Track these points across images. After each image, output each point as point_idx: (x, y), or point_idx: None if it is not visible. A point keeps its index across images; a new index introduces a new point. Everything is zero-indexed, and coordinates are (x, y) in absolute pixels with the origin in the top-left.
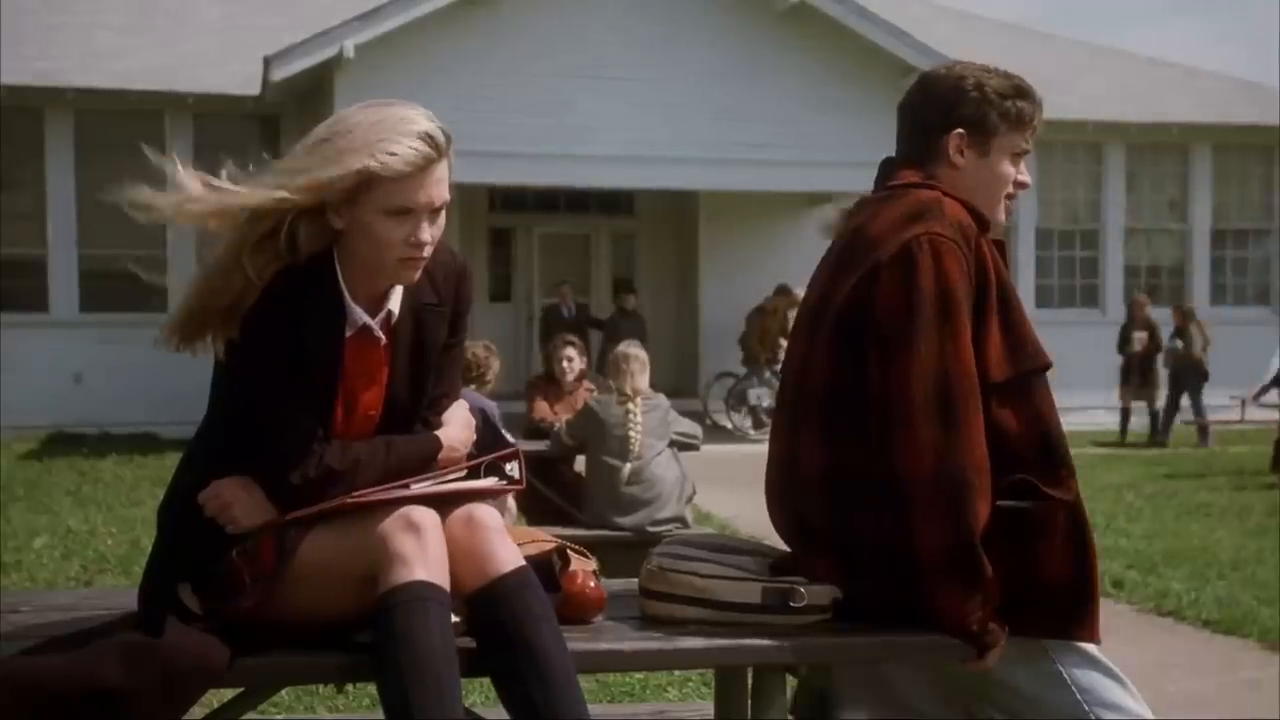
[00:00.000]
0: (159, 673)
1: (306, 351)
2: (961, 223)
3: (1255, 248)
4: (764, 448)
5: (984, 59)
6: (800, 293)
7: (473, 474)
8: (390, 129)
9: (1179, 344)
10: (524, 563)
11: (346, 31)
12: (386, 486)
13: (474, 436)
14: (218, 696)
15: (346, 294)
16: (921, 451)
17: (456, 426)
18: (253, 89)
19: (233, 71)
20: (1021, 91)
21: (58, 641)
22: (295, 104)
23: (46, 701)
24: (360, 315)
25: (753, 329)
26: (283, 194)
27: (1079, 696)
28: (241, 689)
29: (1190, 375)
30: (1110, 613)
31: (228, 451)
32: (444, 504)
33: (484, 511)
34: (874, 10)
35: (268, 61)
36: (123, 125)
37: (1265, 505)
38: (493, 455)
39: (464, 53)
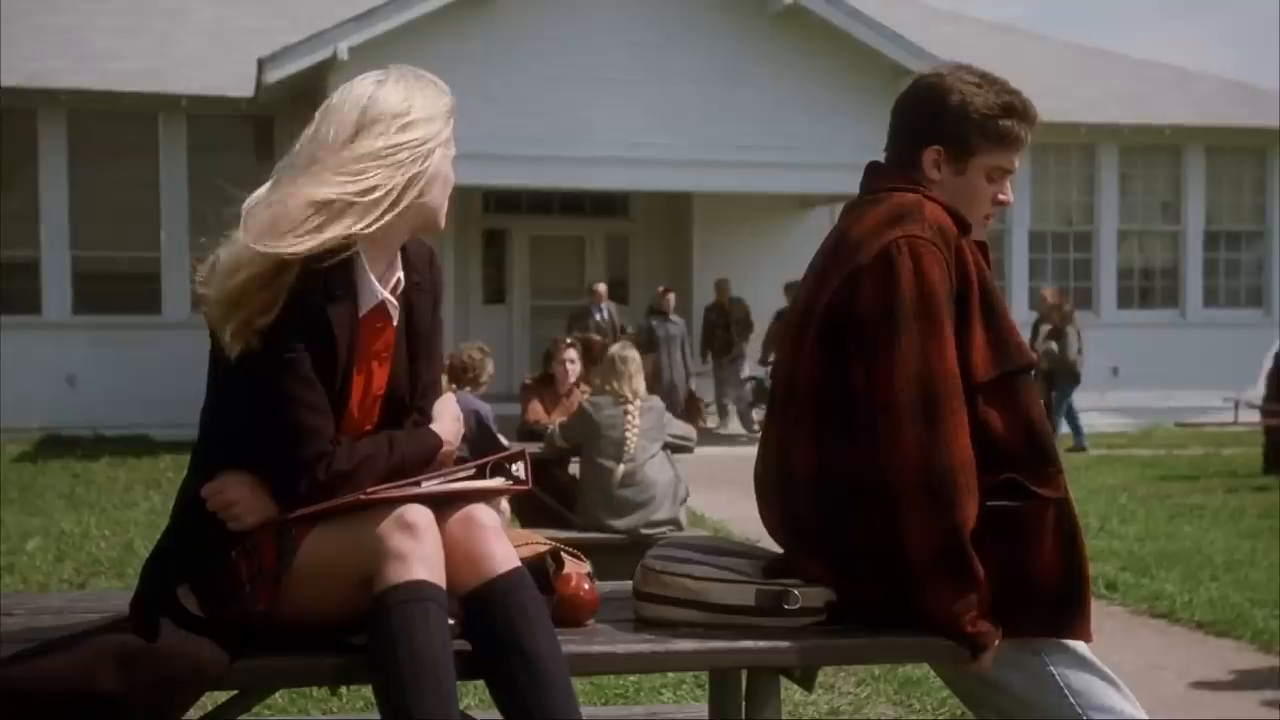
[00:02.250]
0: (153, 677)
1: (333, 340)
2: (941, 225)
3: (1248, 250)
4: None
5: (977, 61)
6: None
7: (479, 474)
8: (427, 94)
9: (1053, 345)
10: (520, 564)
11: (340, 33)
12: (399, 484)
13: (462, 431)
14: (212, 699)
15: (371, 274)
16: (907, 452)
17: (448, 420)
18: (246, 91)
19: (226, 73)
20: (1010, 110)
21: (51, 645)
22: (289, 106)
23: (40, 706)
24: (378, 290)
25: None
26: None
27: (1072, 700)
28: (235, 691)
29: (1062, 379)
30: (1104, 614)
31: (235, 448)
32: (446, 503)
33: (482, 511)
34: (867, 13)
35: (261, 63)
36: (116, 126)
37: (1258, 507)
38: (499, 455)
39: (458, 55)
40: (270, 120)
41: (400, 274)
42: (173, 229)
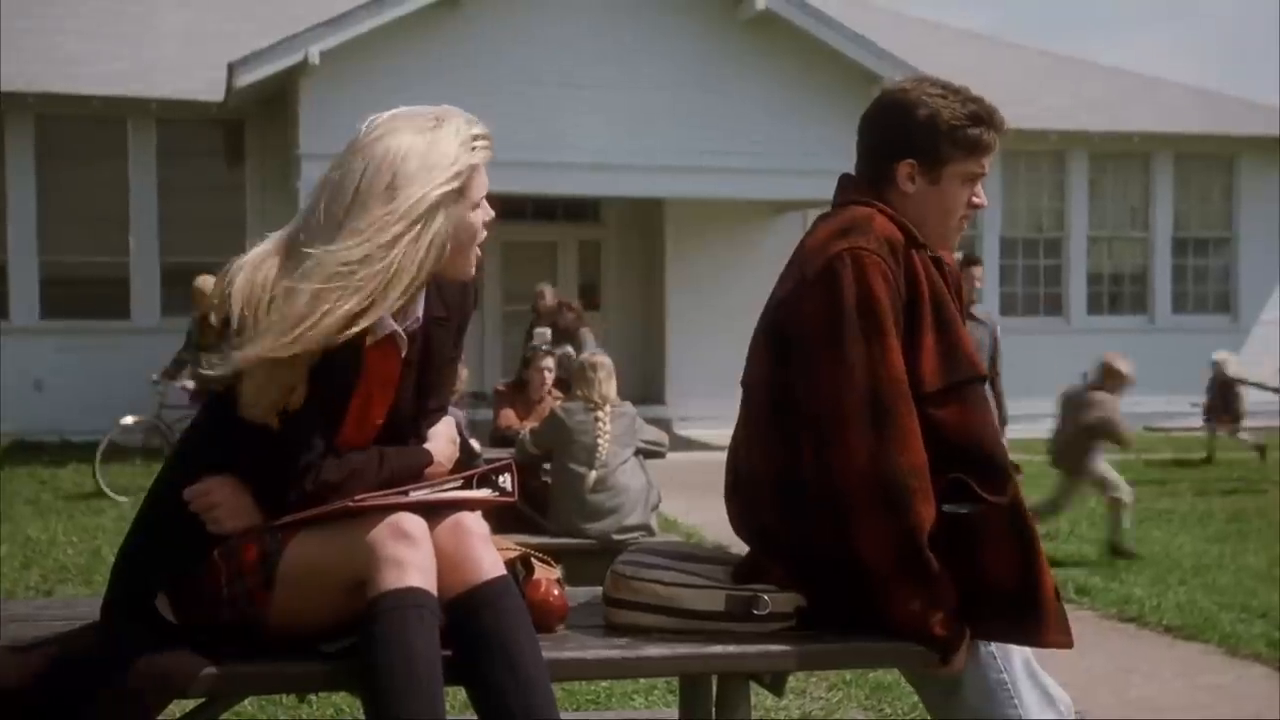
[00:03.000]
0: (118, 686)
1: (331, 360)
2: (890, 238)
3: (1215, 256)
4: None
5: (948, 69)
6: None
7: (466, 485)
8: (453, 126)
9: (569, 349)
10: (505, 571)
11: (311, 38)
12: (386, 493)
13: (457, 454)
14: (179, 706)
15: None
16: (858, 460)
17: (442, 442)
18: (217, 95)
19: (196, 77)
20: (978, 119)
21: (15, 653)
22: (260, 110)
23: (2, 716)
24: (388, 323)
25: None
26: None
27: (1019, 709)
28: (203, 699)
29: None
30: (1074, 618)
31: (225, 451)
32: (432, 512)
33: (471, 519)
34: (839, 19)
35: (232, 67)
36: (85, 131)
37: (1225, 511)
38: (486, 467)
39: (430, 60)
40: (240, 124)
41: (420, 310)
42: (142, 234)
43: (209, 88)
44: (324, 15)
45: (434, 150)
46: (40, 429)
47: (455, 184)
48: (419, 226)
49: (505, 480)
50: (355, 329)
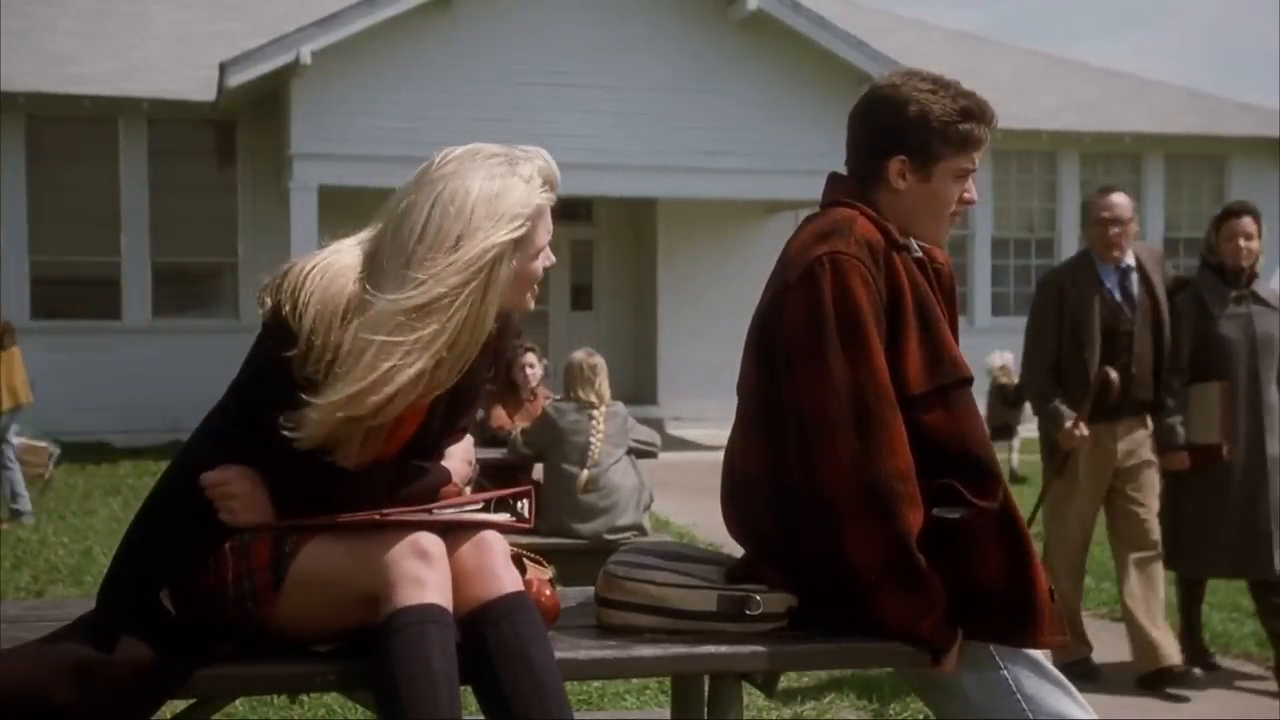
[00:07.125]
0: (109, 688)
1: None
2: (870, 240)
3: None
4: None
5: (940, 69)
6: None
7: (485, 507)
8: (524, 171)
9: None
10: (523, 588)
11: (303, 38)
12: (412, 509)
13: (471, 475)
14: (170, 707)
15: None
16: (843, 466)
17: (458, 461)
18: (208, 95)
19: (188, 77)
20: (968, 114)
21: (5, 655)
22: (251, 110)
23: None
24: None
25: None
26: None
27: (1024, 704)
28: (194, 699)
29: None
30: None
31: (247, 442)
32: (449, 531)
33: (494, 535)
34: (831, 19)
35: (223, 67)
36: (76, 130)
37: None
38: (507, 491)
39: (422, 60)
40: (232, 124)
41: None
42: (133, 234)
43: (200, 88)
44: (315, 15)
45: (501, 200)
46: (31, 430)
47: (519, 233)
48: (482, 275)
49: (524, 506)
50: (422, 388)
